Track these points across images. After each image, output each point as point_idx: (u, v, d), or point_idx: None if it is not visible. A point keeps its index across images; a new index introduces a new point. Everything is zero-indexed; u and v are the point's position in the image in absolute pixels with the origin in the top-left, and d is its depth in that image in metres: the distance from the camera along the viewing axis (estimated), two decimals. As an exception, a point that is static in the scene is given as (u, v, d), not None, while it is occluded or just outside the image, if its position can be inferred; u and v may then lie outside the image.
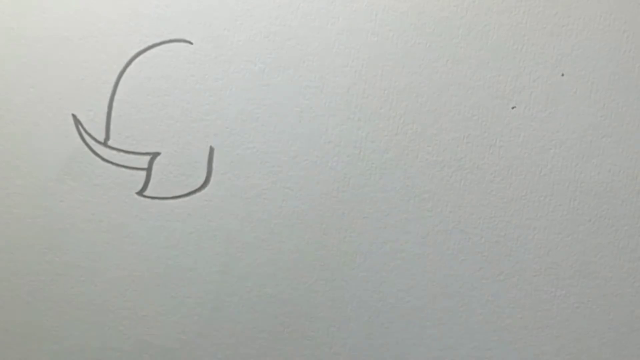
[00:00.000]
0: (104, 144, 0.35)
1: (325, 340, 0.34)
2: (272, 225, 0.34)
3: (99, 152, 0.35)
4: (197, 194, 0.34)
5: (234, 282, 0.34)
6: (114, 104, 0.35)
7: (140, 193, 0.35)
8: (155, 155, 0.35)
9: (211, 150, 0.35)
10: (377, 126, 0.34)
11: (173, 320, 0.34)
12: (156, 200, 0.35)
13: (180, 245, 0.34)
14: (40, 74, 0.34)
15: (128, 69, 0.35)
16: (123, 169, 0.35)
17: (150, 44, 0.35)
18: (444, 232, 0.34)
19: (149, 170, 0.35)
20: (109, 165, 0.35)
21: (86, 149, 0.35)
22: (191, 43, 0.35)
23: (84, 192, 0.35)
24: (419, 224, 0.34)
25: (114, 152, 0.35)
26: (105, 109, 0.35)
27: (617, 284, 0.34)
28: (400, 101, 0.35)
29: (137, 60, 0.35)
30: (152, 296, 0.34)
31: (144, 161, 0.35)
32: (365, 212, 0.34)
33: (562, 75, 0.34)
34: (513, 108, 0.34)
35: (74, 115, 0.35)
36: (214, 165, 0.35)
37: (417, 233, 0.34)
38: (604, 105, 0.34)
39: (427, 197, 0.34)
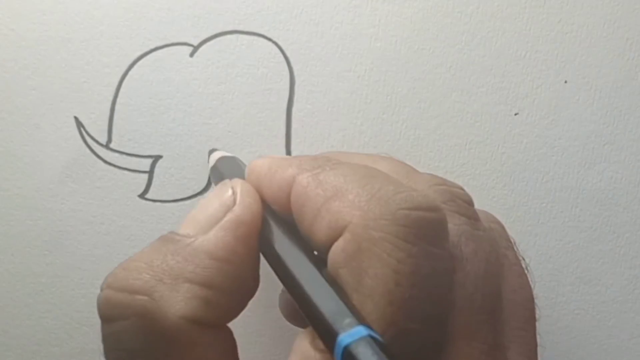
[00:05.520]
0: (106, 146, 0.34)
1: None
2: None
3: (100, 154, 0.35)
4: (199, 197, 0.34)
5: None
6: (116, 107, 0.35)
7: (142, 196, 0.35)
8: (157, 158, 0.35)
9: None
10: (380, 131, 0.34)
11: (174, 323, 0.33)
12: (158, 203, 0.35)
13: (181, 249, 0.34)
14: (41, 76, 0.34)
15: (130, 72, 0.34)
16: (125, 172, 0.35)
17: (152, 47, 0.35)
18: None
19: (150, 173, 0.35)
20: (111, 167, 0.35)
21: (88, 151, 0.35)
22: (194, 46, 0.35)
23: (85, 195, 0.34)
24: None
25: (116, 154, 0.35)
26: (108, 112, 0.34)
27: (617, 290, 0.34)
28: (403, 107, 0.35)
29: (139, 63, 0.35)
30: (153, 299, 0.34)
31: (146, 164, 0.35)
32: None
33: (565, 82, 0.34)
34: (516, 114, 0.34)
35: (76, 118, 0.35)
36: (216, 168, 0.35)
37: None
38: (606, 113, 0.34)
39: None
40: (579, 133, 0.34)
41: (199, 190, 0.34)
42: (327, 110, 0.35)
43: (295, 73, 0.34)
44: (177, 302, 0.22)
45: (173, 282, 0.23)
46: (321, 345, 0.20)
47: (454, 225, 0.23)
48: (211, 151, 0.34)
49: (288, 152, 0.34)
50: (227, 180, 0.26)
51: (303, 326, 0.29)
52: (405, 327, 0.20)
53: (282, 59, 0.34)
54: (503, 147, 0.35)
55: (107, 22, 0.34)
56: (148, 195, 0.35)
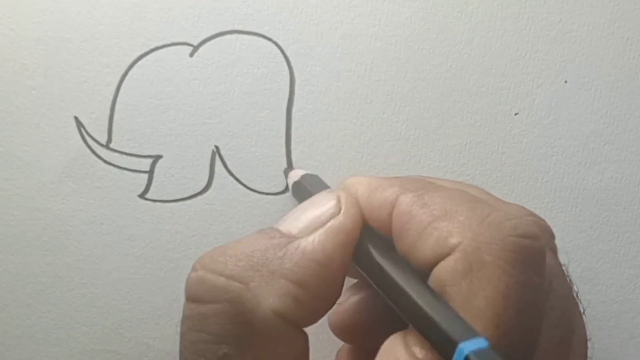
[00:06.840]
0: (106, 146, 0.35)
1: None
2: (274, 229, 0.34)
3: (101, 154, 0.35)
4: (199, 197, 0.34)
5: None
6: (116, 107, 0.35)
7: (142, 196, 0.35)
8: (157, 158, 0.35)
9: (213, 153, 0.35)
10: (380, 131, 0.34)
11: (173, 323, 0.34)
12: (158, 203, 0.35)
13: (181, 248, 0.34)
14: (41, 76, 0.34)
15: (130, 72, 0.35)
16: (125, 172, 0.35)
17: (152, 47, 0.35)
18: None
19: (151, 173, 0.35)
20: (111, 167, 0.35)
21: (88, 151, 0.35)
22: (194, 46, 0.35)
23: (85, 194, 0.34)
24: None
25: (116, 154, 0.35)
26: (108, 112, 0.35)
27: (618, 290, 0.34)
28: (403, 106, 0.35)
29: (139, 63, 0.35)
30: (153, 299, 0.34)
31: (146, 164, 0.35)
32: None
33: (565, 82, 0.34)
34: (516, 114, 0.34)
35: (76, 118, 0.35)
36: (216, 168, 0.35)
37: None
38: (606, 113, 0.34)
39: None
40: (579, 133, 0.34)
41: (199, 190, 0.35)
42: (327, 110, 0.35)
43: (295, 73, 0.34)
44: (272, 295, 0.22)
45: (270, 276, 0.23)
46: (417, 352, 0.21)
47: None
48: (287, 169, 0.34)
49: (288, 152, 0.34)
50: (334, 189, 0.27)
51: (352, 342, 0.29)
52: (505, 351, 0.20)
53: (282, 59, 0.34)
54: (503, 147, 0.35)
55: (107, 22, 0.34)
56: (148, 195, 0.35)
